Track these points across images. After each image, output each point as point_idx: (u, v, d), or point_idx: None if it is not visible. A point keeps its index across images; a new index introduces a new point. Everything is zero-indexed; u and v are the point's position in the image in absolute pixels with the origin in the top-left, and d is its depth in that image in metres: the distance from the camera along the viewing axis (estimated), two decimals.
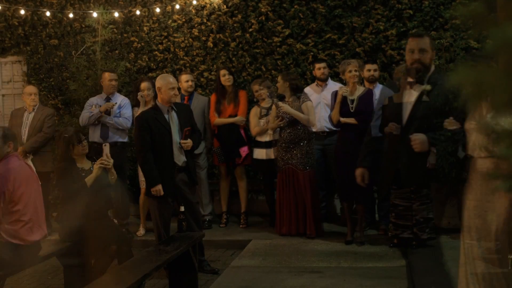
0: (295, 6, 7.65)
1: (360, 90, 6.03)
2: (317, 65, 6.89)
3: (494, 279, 3.46)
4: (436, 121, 3.84)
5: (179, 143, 5.18)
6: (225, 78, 6.90)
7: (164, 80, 5.17)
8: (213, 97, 7.09)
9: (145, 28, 8.15)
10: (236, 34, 7.84)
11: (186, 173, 5.25)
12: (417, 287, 4.66)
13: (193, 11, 8.00)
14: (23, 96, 7.11)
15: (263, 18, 7.77)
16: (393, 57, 7.36)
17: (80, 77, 7.35)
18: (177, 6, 8.00)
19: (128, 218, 7.00)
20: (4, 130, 4.47)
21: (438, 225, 6.45)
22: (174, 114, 5.23)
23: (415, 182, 4.38)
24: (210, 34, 7.94)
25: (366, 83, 6.47)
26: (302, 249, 5.87)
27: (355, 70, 6.12)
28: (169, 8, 8.09)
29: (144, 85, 6.57)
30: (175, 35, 8.05)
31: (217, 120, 6.95)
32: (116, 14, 7.96)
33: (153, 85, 6.16)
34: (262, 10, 7.74)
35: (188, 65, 8.00)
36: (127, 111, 6.73)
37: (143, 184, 6.64)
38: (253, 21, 7.78)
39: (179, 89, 6.06)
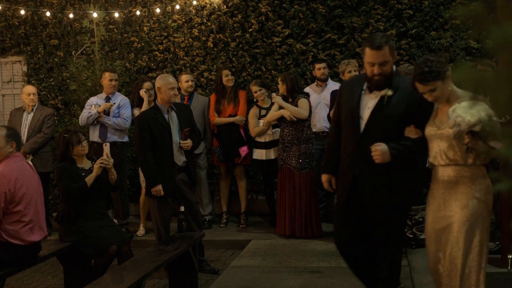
0: (295, 6, 7.66)
1: None
2: (317, 65, 6.90)
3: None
4: (397, 128, 3.51)
5: (179, 143, 5.18)
6: (228, 79, 6.91)
7: (163, 80, 5.18)
8: (213, 97, 7.10)
9: (145, 28, 8.15)
10: (236, 34, 7.85)
11: (186, 173, 5.25)
12: (417, 287, 4.66)
13: (193, 11, 8.00)
14: (22, 96, 7.09)
15: (263, 18, 7.78)
16: None
17: (80, 77, 7.34)
18: (177, 6, 8.01)
19: (128, 218, 7.00)
20: (7, 129, 4.44)
21: None
22: (174, 114, 5.23)
23: (385, 202, 3.64)
24: (210, 34, 7.95)
25: None
26: (302, 249, 5.87)
27: (355, 70, 6.12)
28: (169, 8, 8.09)
29: (147, 84, 6.58)
30: (175, 35, 8.05)
31: (217, 119, 6.95)
32: (116, 14, 7.96)
33: (154, 85, 6.16)
34: (262, 10, 7.74)
35: (188, 65, 8.01)
36: (126, 111, 6.73)
37: (144, 184, 6.65)
38: (253, 21, 7.78)
39: (179, 89, 6.06)
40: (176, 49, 8.05)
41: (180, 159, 5.21)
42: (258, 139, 6.77)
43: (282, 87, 6.48)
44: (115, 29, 8.15)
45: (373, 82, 3.53)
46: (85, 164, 5.03)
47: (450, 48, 7.14)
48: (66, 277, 5.02)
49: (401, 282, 4.26)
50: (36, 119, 6.99)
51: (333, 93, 6.21)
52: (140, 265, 4.21)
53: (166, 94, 5.14)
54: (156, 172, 5.07)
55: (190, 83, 6.96)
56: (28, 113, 7.03)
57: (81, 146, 4.93)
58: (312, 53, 7.59)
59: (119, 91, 7.22)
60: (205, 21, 7.97)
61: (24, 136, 6.95)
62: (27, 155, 6.82)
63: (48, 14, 8.27)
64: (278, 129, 6.54)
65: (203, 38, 7.97)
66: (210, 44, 7.94)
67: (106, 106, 6.64)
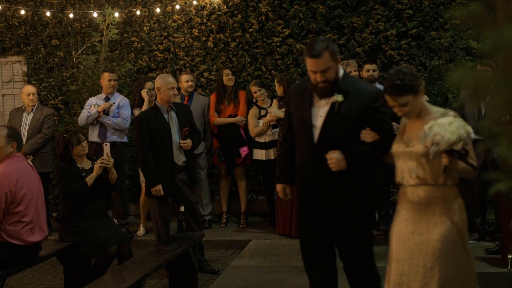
0: (295, 6, 7.66)
1: None
2: None
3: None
4: (352, 134, 3.34)
5: (179, 143, 5.19)
6: (228, 78, 6.92)
7: (163, 80, 5.18)
8: (213, 97, 7.10)
9: (145, 28, 8.15)
10: (236, 34, 7.85)
11: (186, 173, 5.26)
12: None
13: (193, 11, 8.00)
14: (22, 96, 7.08)
15: (263, 18, 7.78)
16: (393, 57, 7.37)
17: (84, 76, 7.32)
18: (177, 6, 8.01)
19: (128, 218, 7.00)
20: (8, 129, 4.43)
21: None
22: (173, 114, 5.24)
23: (344, 214, 3.41)
24: (210, 34, 7.95)
25: None
26: None
27: (355, 70, 6.12)
28: (169, 8, 8.09)
29: (149, 84, 6.58)
30: (175, 35, 8.05)
31: (217, 120, 6.96)
32: (117, 14, 7.96)
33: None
34: (262, 10, 7.75)
35: (188, 65, 8.01)
36: (126, 112, 6.73)
37: (143, 184, 6.65)
38: (253, 21, 7.78)
39: (178, 89, 6.06)
40: (176, 49, 8.05)
41: (179, 159, 5.21)
42: (258, 139, 6.78)
43: (279, 89, 6.51)
44: (115, 29, 8.15)
45: (319, 89, 3.37)
46: (85, 164, 5.03)
47: (450, 48, 7.14)
48: (66, 277, 5.02)
49: None
50: (36, 119, 6.98)
51: None
52: (140, 265, 4.21)
53: (165, 94, 5.14)
54: (155, 172, 5.07)
55: (190, 83, 6.96)
56: (28, 113, 7.03)
57: (81, 146, 4.93)
58: None
59: (120, 91, 7.22)
60: (205, 21, 7.97)
61: (24, 137, 6.94)
62: (27, 156, 6.82)
63: (48, 14, 8.27)
64: (278, 129, 6.55)
65: (203, 38, 7.97)
66: (210, 44, 7.94)
67: (106, 106, 6.64)
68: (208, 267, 5.53)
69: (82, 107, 6.97)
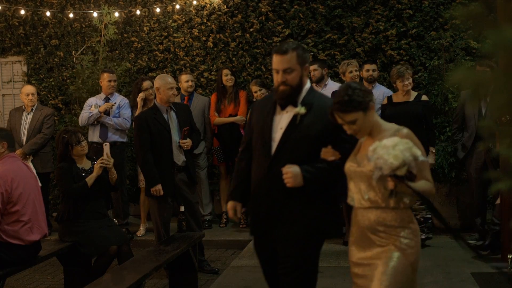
0: (295, 6, 7.66)
1: None
2: (310, 67, 6.79)
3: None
4: (312, 150, 3.13)
5: (178, 142, 5.19)
6: (227, 78, 6.92)
7: (162, 80, 5.18)
8: (213, 97, 7.11)
9: (145, 28, 8.15)
10: (236, 34, 7.85)
11: (186, 173, 5.26)
12: (417, 287, 4.66)
13: (193, 11, 8.00)
14: (21, 96, 7.08)
15: (263, 18, 7.78)
16: (393, 57, 7.37)
17: (83, 76, 7.32)
18: (177, 6, 8.01)
19: (128, 218, 7.00)
20: None
21: (438, 226, 6.46)
22: (173, 114, 5.24)
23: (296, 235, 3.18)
24: (210, 34, 7.95)
25: (365, 83, 6.47)
26: None
27: (355, 71, 6.12)
28: (169, 8, 8.09)
29: (147, 83, 6.57)
30: (175, 35, 8.05)
31: (217, 119, 6.96)
32: (116, 14, 7.96)
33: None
34: (262, 10, 7.75)
35: (188, 65, 8.01)
36: (126, 112, 6.74)
37: (142, 183, 6.66)
38: (253, 21, 7.78)
39: (178, 89, 6.06)
40: (176, 49, 8.05)
41: (179, 158, 5.21)
42: None
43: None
44: (115, 29, 8.14)
45: (278, 93, 3.18)
46: (85, 164, 5.03)
47: (450, 48, 7.13)
48: (66, 277, 5.02)
49: None
50: (36, 119, 6.98)
51: (333, 94, 6.20)
52: (140, 265, 4.21)
53: (165, 94, 5.15)
54: (155, 172, 5.07)
55: (190, 83, 6.96)
56: (28, 113, 7.03)
57: (80, 146, 4.93)
58: (312, 53, 7.58)
59: (119, 91, 7.22)
60: (205, 21, 7.97)
61: (24, 137, 6.94)
62: (27, 156, 6.82)
63: (48, 14, 8.27)
64: None
65: (203, 38, 7.97)
66: (210, 44, 7.94)
67: (108, 106, 6.64)
68: (208, 267, 5.53)
69: (81, 107, 6.97)
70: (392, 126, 2.92)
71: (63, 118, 8.00)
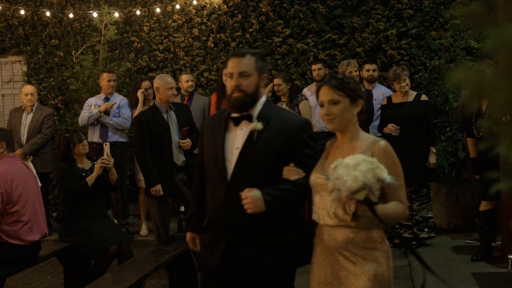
0: (295, 6, 7.66)
1: None
2: (313, 66, 6.79)
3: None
4: (273, 170, 2.74)
5: (178, 142, 5.18)
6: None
7: (162, 80, 5.18)
8: (213, 97, 7.09)
9: (145, 28, 8.15)
10: (236, 34, 7.85)
11: (186, 173, 5.25)
12: (417, 287, 4.66)
13: (193, 11, 8.00)
14: (21, 96, 7.08)
15: (263, 18, 7.78)
16: (393, 57, 7.37)
17: (82, 76, 7.32)
18: (177, 6, 8.01)
19: (128, 218, 7.00)
20: None
21: (438, 225, 6.46)
22: (172, 114, 5.24)
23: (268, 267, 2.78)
24: (210, 34, 7.95)
25: (365, 83, 6.46)
26: None
27: (355, 71, 6.11)
28: (169, 8, 8.09)
29: (146, 83, 6.57)
30: (175, 35, 8.05)
31: None
32: (116, 14, 7.96)
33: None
34: (263, 10, 7.75)
35: (188, 65, 8.01)
36: (126, 111, 6.73)
37: (142, 183, 6.65)
38: (253, 21, 7.78)
39: (178, 89, 6.06)
40: (176, 49, 8.05)
41: (179, 158, 5.21)
42: None
43: (286, 87, 6.27)
44: (115, 29, 8.14)
45: (232, 100, 2.80)
46: (85, 164, 5.03)
47: (450, 48, 7.13)
48: (66, 277, 5.02)
49: None
50: (36, 119, 6.97)
51: None
52: (140, 265, 4.21)
53: (164, 94, 5.14)
54: (155, 172, 5.07)
55: (190, 83, 6.96)
56: (28, 113, 7.02)
57: (82, 145, 4.93)
58: (312, 53, 7.59)
59: (119, 91, 7.22)
60: (205, 21, 7.97)
61: (23, 137, 6.94)
62: (27, 156, 6.82)
63: (48, 14, 8.27)
64: None
65: (203, 38, 7.97)
66: (210, 44, 7.94)
67: (108, 106, 6.63)
68: None
69: (82, 107, 6.97)
70: (369, 137, 2.66)
71: (63, 118, 8.00)
